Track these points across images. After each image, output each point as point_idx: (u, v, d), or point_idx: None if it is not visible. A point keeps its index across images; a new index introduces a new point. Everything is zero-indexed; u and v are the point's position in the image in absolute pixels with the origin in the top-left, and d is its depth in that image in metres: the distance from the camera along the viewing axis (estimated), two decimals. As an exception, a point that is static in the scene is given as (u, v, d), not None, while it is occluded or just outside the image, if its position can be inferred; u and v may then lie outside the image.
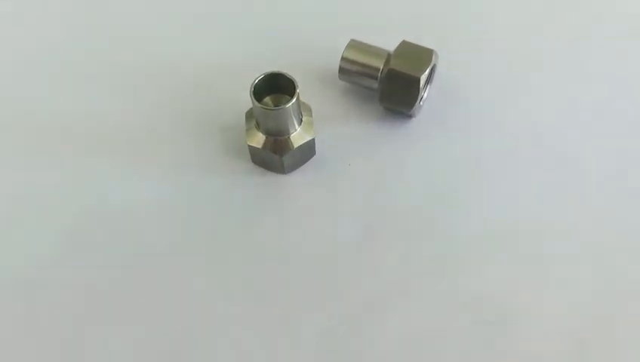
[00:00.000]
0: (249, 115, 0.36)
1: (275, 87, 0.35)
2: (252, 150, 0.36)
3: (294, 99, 0.33)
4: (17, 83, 0.41)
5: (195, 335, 0.33)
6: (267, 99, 0.35)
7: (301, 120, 0.36)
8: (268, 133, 0.35)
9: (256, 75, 0.33)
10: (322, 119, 0.39)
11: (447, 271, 0.34)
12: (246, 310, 0.33)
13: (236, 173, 0.37)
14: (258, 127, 0.35)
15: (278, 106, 0.33)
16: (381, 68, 0.37)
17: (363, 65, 0.38)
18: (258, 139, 0.35)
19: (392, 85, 0.37)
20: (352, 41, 0.38)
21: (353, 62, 0.38)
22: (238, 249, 0.35)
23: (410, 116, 0.39)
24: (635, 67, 0.42)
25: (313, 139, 0.36)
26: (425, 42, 0.37)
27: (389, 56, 0.37)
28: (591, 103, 0.40)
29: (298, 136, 0.35)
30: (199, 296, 0.34)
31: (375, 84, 0.38)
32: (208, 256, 0.35)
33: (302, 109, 0.36)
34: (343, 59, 0.38)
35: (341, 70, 0.39)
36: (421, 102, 0.39)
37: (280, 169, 0.36)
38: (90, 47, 0.43)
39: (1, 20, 0.44)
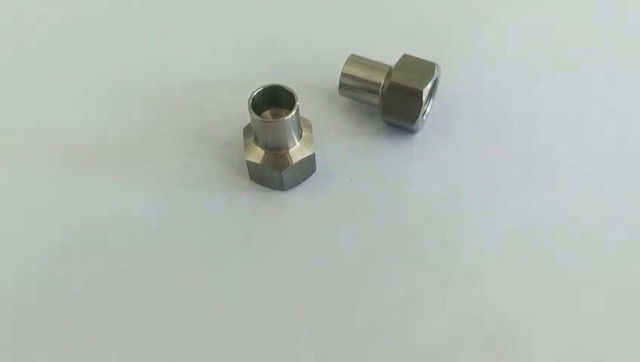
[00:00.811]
0: (247, 130, 0.35)
1: (274, 101, 0.34)
2: (250, 165, 0.35)
3: (293, 112, 0.32)
4: (11, 95, 0.41)
5: (189, 350, 0.31)
6: (266, 113, 0.34)
7: (301, 135, 0.35)
8: (267, 147, 0.34)
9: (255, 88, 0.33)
10: (323, 135, 0.38)
11: (452, 288, 0.33)
12: (242, 326, 0.32)
13: (234, 189, 0.36)
14: (257, 142, 0.34)
15: (277, 119, 0.32)
16: (382, 83, 0.37)
17: (363, 80, 0.37)
18: (256, 155, 0.34)
19: (394, 99, 0.36)
20: (353, 55, 0.38)
21: (353, 77, 0.37)
22: (235, 266, 0.34)
23: (412, 131, 0.38)
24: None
25: (313, 155, 0.35)
26: (427, 57, 0.37)
27: (390, 71, 0.37)
28: (598, 115, 0.39)
29: (297, 151, 0.34)
30: (195, 311, 0.32)
31: (376, 99, 0.37)
32: (204, 273, 0.33)
33: (302, 124, 0.35)
34: (343, 74, 0.37)
35: (341, 85, 0.38)
36: (424, 117, 0.38)
37: (279, 185, 0.35)
38: (89, 61, 0.43)
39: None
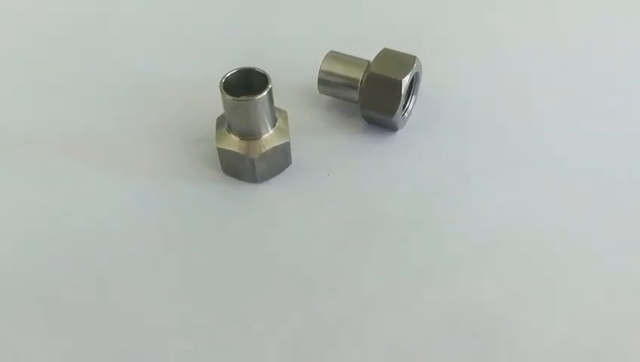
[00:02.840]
0: (220, 120, 0.34)
1: (248, 89, 0.33)
2: (222, 154, 0.34)
3: (265, 92, 0.31)
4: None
5: (154, 340, 0.29)
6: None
7: (275, 124, 0.34)
8: (239, 133, 0.33)
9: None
10: (302, 132, 0.37)
11: (431, 284, 0.31)
12: (213, 320, 0.29)
13: (206, 182, 0.35)
14: (229, 129, 0.33)
15: (248, 97, 0.31)
16: (361, 78, 0.36)
17: (342, 76, 0.36)
18: (228, 141, 0.33)
19: (372, 91, 0.35)
20: (331, 52, 0.37)
21: (332, 73, 0.37)
22: (204, 259, 0.32)
23: (393, 129, 0.37)
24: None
25: (287, 143, 0.34)
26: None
27: (369, 65, 0.36)
28: (584, 113, 0.38)
29: (271, 139, 0.33)
30: (163, 303, 0.30)
31: (356, 95, 0.36)
32: (172, 266, 0.31)
33: (277, 115, 0.34)
34: (322, 70, 0.37)
35: (320, 82, 0.37)
36: (405, 114, 0.37)
37: (251, 176, 0.34)
38: (66, 58, 0.43)
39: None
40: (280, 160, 0.34)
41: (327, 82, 0.37)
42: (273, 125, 0.33)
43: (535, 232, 0.32)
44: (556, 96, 0.39)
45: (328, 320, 0.29)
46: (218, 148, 0.33)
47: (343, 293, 0.30)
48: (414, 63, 0.35)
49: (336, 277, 0.31)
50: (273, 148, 0.33)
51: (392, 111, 0.35)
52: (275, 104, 0.34)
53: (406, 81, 0.34)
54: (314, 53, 0.38)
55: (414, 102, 0.38)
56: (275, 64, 0.39)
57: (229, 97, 0.31)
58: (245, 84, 0.32)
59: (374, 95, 0.35)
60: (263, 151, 0.33)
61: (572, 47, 0.43)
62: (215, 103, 0.33)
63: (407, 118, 0.37)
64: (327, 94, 0.38)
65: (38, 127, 0.38)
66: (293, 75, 0.40)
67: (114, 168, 0.36)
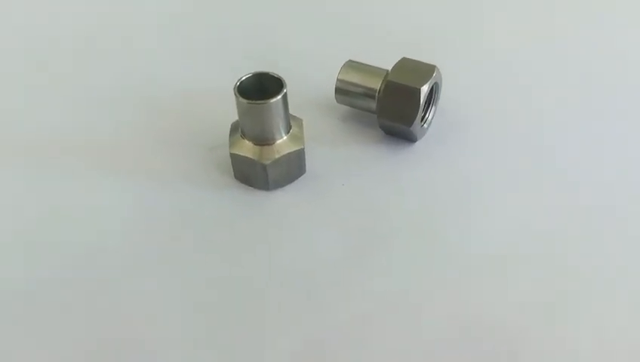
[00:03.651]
0: (234, 126, 0.34)
1: (263, 93, 0.32)
2: (234, 159, 0.33)
3: (279, 96, 0.31)
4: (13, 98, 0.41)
5: (162, 348, 0.28)
6: (254, 104, 0.33)
7: (290, 130, 0.33)
8: (252, 138, 0.32)
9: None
10: (318, 141, 0.36)
11: (440, 296, 0.29)
12: (218, 325, 0.28)
13: (218, 189, 0.34)
14: (243, 135, 0.33)
15: (262, 101, 0.30)
16: (379, 87, 0.35)
17: (360, 85, 0.36)
18: (241, 147, 0.32)
19: (390, 99, 0.34)
20: (349, 61, 0.37)
21: (350, 82, 0.36)
22: (212, 265, 0.31)
23: (411, 140, 0.36)
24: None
25: (301, 150, 0.33)
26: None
27: (387, 74, 0.35)
28: (602, 128, 0.37)
29: (284, 145, 0.32)
30: (170, 306, 0.29)
31: (374, 105, 0.36)
32: (181, 271, 0.31)
33: (292, 121, 0.33)
34: (339, 80, 0.36)
35: (337, 91, 0.36)
36: (424, 125, 0.36)
37: (264, 183, 0.33)
38: (86, 70, 0.43)
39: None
40: (294, 167, 0.33)
41: (344, 91, 0.36)
42: (287, 131, 0.33)
43: (550, 246, 0.31)
44: (577, 111, 0.38)
45: (336, 328, 0.28)
46: (231, 154, 0.33)
47: (351, 302, 0.29)
48: (434, 73, 0.34)
49: (345, 287, 0.30)
50: (287, 154, 0.32)
51: (410, 121, 0.34)
52: (293, 113, 0.34)
53: (425, 89, 0.33)
54: (333, 62, 0.37)
55: (434, 114, 0.37)
56: (293, 73, 0.39)
57: (242, 100, 0.31)
58: (260, 88, 0.32)
59: (392, 104, 0.34)
60: (277, 157, 0.32)
61: (596, 60, 0.42)
62: (231, 112, 0.33)
63: (427, 129, 0.36)
64: (344, 104, 0.37)
65: (52, 130, 0.38)
66: (311, 85, 0.39)
67: (128, 174, 0.35)
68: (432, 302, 0.29)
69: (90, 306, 0.29)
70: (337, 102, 0.37)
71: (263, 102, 0.30)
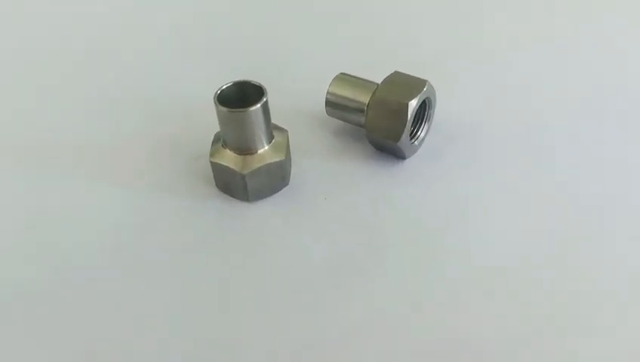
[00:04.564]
0: (217, 136, 0.33)
1: (245, 103, 0.32)
2: (215, 168, 0.32)
3: (259, 104, 0.30)
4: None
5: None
6: (235, 113, 0.32)
7: (272, 139, 0.32)
8: (233, 148, 0.32)
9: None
10: (306, 154, 0.36)
11: (423, 316, 0.28)
12: (194, 334, 0.28)
13: (198, 198, 0.33)
14: (225, 144, 0.32)
15: (241, 109, 0.30)
16: (367, 101, 0.34)
17: (350, 98, 0.35)
18: (221, 156, 0.32)
19: (378, 114, 0.33)
20: (341, 74, 0.36)
21: (340, 95, 0.35)
22: (190, 276, 0.30)
23: (400, 156, 0.35)
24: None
25: (283, 161, 0.32)
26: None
27: (377, 88, 0.34)
28: (601, 150, 0.35)
29: (265, 155, 0.32)
30: (144, 312, 0.29)
31: (363, 119, 0.35)
32: (157, 278, 0.30)
33: (276, 131, 0.33)
34: (329, 92, 0.35)
35: (328, 104, 0.36)
36: (415, 142, 0.35)
37: (243, 193, 0.32)
38: (74, 70, 0.44)
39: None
40: (275, 178, 0.32)
41: (334, 104, 0.36)
42: (269, 141, 0.32)
43: (545, 265, 0.29)
44: (576, 128, 0.37)
45: (312, 346, 0.27)
46: (211, 163, 0.32)
47: (330, 319, 0.28)
48: (424, 87, 0.33)
49: (322, 303, 0.29)
50: (267, 164, 0.31)
51: (397, 137, 0.33)
52: (284, 125, 0.33)
53: (413, 104, 0.32)
54: (329, 75, 0.37)
55: (427, 131, 0.36)
56: (287, 85, 0.39)
57: (222, 108, 0.30)
58: (242, 98, 0.31)
59: (380, 119, 0.33)
60: (256, 167, 0.31)
61: (597, 77, 0.41)
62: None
63: (418, 146, 0.35)
64: (335, 117, 0.36)
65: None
66: (307, 97, 0.39)
67: (110, 180, 0.35)
68: (416, 323, 0.28)
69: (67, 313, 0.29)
70: (328, 115, 0.36)
71: (242, 110, 0.30)
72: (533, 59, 0.42)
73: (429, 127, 0.36)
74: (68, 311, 0.29)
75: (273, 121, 0.33)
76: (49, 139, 0.38)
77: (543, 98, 0.39)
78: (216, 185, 0.33)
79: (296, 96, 0.39)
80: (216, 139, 0.33)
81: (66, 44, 0.47)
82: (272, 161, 0.32)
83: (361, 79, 0.35)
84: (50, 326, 0.28)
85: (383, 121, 0.33)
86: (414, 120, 0.35)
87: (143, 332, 0.28)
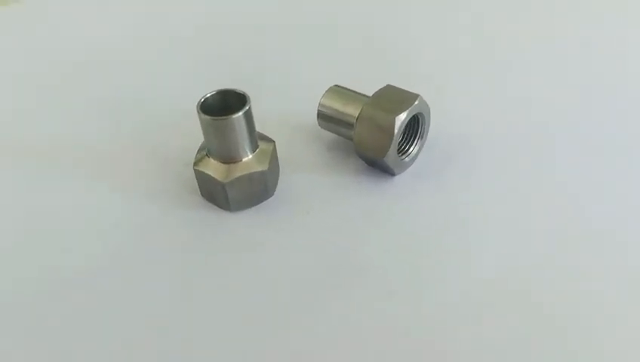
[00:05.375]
0: (203, 145, 0.33)
1: (229, 111, 0.31)
2: (198, 176, 0.32)
3: (241, 113, 0.30)
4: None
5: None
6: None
7: (256, 149, 0.32)
8: (216, 156, 0.31)
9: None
10: (296, 167, 0.35)
11: (406, 339, 0.27)
12: (170, 341, 0.27)
13: (185, 207, 0.33)
14: (209, 153, 0.32)
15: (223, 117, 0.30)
16: (357, 114, 0.33)
17: (340, 111, 0.34)
18: (205, 164, 0.32)
19: (365, 128, 0.32)
20: (334, 86, 0.35)
21: (331, 108, 0.35)
22: (169, 283, 0.30)
23: (390, 173, 0.34)
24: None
25: (265, 172, 0.32)
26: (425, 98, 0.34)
27: (366, 101, 0.34)
28: (599, 171, 0.34)
29: (248, 164, 0.31)
30: (120, 317, 0.29)
31: (352, 132, 0.34)
32: (138, 284, 0.30)
33: (262, 141, 0.33)
34: (321, 104, 0.35)
35: (320, 116, 0.35)
36: (406, 158, 0.34)
37: (225, 202, 0.32)
38: (70, 75, 0.45)
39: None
40: (257, 189, 0.32)
41: (326, 117, 0.35)
42: (253, 150, 0.32)
43: (536, 289, 0.28)
44: (575, 145, 0.36)
45: (291, 358, 0.26)
46: (194, 170, 0.32)
47: (307, 332, 0.27)
48: (415, 102, 0.32)
49: (295, 318, 0.28)
50: (248, 174, 0.31)
51: (384, 152, 0.32)
52: (278, 137, 0.33)
53: (401, 119, 0.32)
54: (326, 87, 0.36)
55: (419, 147, 0.35)
56: (283, 97, 0.38)
57: (205, 116, 0.30)
58: (225, 107, 0.31)
59: (367, 133, 0.32)
60: (237, 176, 0.31)
61: (595, 91, 0.40)
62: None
63: (410, 163, 0.34)
64: (327, 130, 0.36)
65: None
66: (301, 109, 0.38)
67: (95, 181, 0.35)
68: (400, 339, 0.27)
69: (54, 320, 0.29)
70: (320, 127, 0.36)
71: (224, 117, 0.30)
72: (531, 67, 0.42)
73: (422, 144, 0.35)
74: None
75: (268, 133, 0.33)
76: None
77: (546, 115, 0.38)
78: (201, 193, 0.33)
79: (292, 108, 0.39)
80: (202, 148, 0.33)
81: (68, 55, 0.48)
82: (252, 171, 0.31)
83: (354, 92, 0.35)
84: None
85: (370, 135, 0.32)
86: (404, 135, 0.34)
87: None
